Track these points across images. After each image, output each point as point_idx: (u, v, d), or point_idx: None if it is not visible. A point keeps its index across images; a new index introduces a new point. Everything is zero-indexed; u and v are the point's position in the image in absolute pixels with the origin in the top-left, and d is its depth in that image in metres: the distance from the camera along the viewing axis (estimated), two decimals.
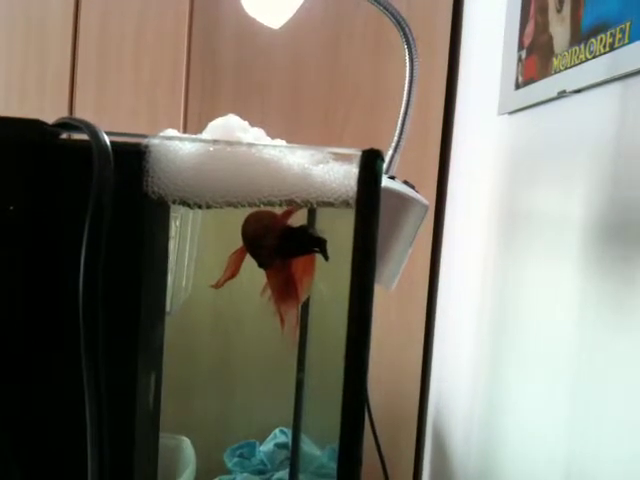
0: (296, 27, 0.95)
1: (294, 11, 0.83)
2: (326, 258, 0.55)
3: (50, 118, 0.44)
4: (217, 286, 0.59)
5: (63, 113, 1.28)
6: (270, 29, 0.87)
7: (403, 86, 0.82)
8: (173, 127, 0.57)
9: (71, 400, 0.42)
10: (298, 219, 0.56)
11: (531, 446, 0.78)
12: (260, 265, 0.55)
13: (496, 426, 0.91)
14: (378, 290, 0.48)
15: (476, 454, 0.99)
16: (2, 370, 0.43)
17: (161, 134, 0.45)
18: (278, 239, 0.54)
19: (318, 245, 0.54)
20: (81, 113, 1.27)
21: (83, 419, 0.40)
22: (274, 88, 1.28)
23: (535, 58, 0.83)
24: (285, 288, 0.57)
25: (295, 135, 1.24)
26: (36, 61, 1.29)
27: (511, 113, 0.92)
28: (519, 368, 0.83)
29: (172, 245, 0.71)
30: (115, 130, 0.41)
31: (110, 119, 1.27)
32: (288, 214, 0.54)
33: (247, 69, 1.28)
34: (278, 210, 0.51)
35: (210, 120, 0.57)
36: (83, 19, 1.28)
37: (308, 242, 0.55)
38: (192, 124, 1.28)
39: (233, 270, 0.58)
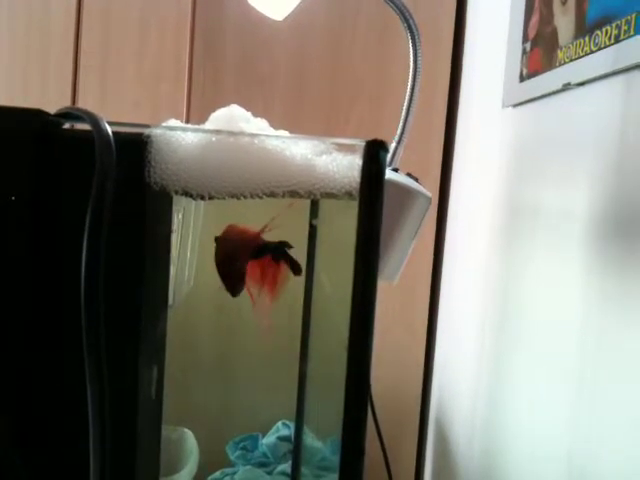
0: (299, 19, 0.95)
1: (297, 2, 0.83)
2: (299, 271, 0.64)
3: (53, 110, 0.44)
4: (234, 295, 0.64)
5: (66, 104, 1.28)
6: (273, 21, 0.87)
7: (407, 78, 0.82)
8: (176, 119, 0.57)
9: (74, 392, 0.42)
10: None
11: (534, 444, 0.77)
12: (229, 288, 0.60)
13: (498, 423, 0.91)
14: (380, 285, 0.48)
15: (478, 451, 0.99)
16: (5, 359, 0.43)
17: (163, 124, 0.45)
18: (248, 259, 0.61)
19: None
20: (84, 105, 1.27)
21: (85, 411, 0.40)
22: (277, 81, 1.28)
23: (540, 50, 0.82)
24: (260, 276, 0.63)
25: (298, 128, 1.23)
26: (39, 52, 1.29)
27: (515, 106, 0.92)
28: (522, 365, 0.83)
29: (175, 238, 0.72)
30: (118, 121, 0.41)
31: (113, 111, 1.27)
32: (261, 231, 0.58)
33: (250, 61, 1.27)
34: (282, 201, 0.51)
35: (213, 112, 0.57)
36: (86, 10, 1.28)
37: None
38: (195, 116, 1.28)
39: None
